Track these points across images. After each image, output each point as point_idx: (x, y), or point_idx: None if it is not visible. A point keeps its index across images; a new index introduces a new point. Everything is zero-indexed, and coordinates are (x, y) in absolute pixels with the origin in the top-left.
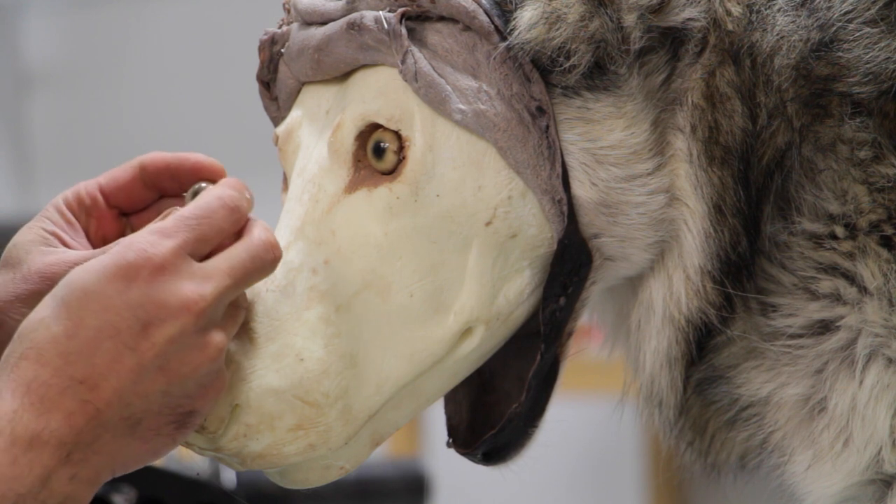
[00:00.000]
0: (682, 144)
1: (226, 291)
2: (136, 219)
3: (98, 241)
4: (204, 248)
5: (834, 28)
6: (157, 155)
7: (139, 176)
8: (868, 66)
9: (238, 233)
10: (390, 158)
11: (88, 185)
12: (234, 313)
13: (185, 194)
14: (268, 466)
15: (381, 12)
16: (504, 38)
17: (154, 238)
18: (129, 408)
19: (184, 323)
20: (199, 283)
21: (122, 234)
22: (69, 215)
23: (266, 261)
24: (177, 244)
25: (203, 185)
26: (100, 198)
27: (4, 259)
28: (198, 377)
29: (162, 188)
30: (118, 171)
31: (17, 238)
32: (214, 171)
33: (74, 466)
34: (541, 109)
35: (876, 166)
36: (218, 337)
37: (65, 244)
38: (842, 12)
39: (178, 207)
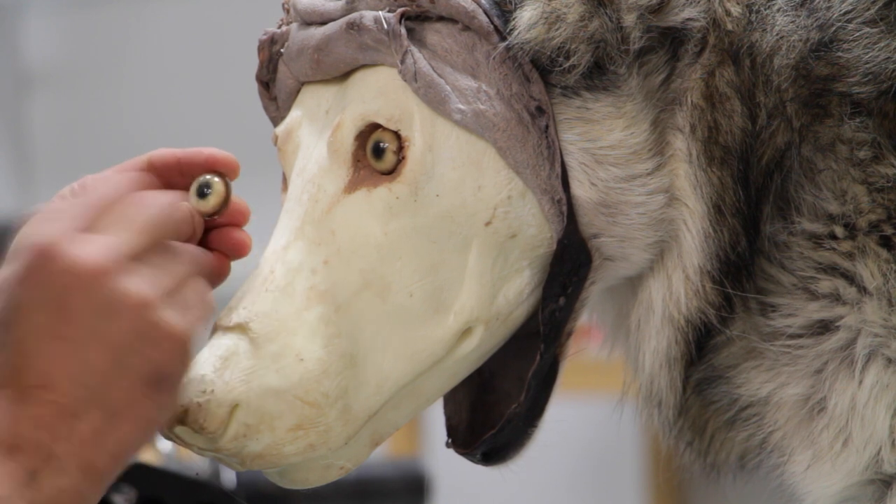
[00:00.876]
0: (681, 144)
1: (126, 243)
2: None
3: None
4: (92, 219)
5: (833, 28)
6: (166, 151)
7: (147, 172)
8: (868, 66)
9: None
10: (390, 158)
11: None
12: (158, 253)
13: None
14: (268, 466)
15: (380, 12)
16: (503, 38)
17: (45, 225)
18: (90, 389)
19: (91, 288)
20: (95, 245)
21: None
22: None
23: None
24: (63, 223)
25: (208, 176)
26: None
27: (14, 252)
28: (139, 334)
29: (170, 184)
30: (126, 167)
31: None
32: (228, 165)
33: (60, 460)
34: (540, 109)
35: (875, 166)
36: (136, 284)
37: None
38: (841, 12)
39: None
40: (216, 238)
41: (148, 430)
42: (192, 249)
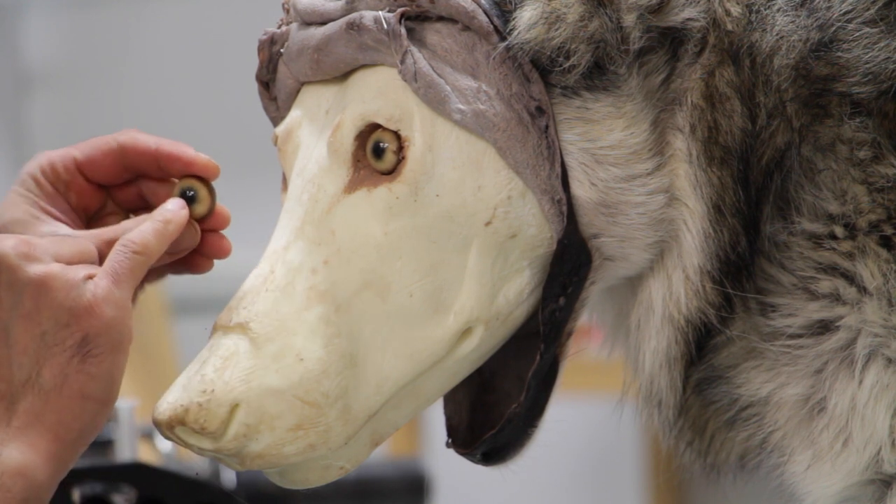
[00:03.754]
0: (681, 144)
1: (39, 240)
2: (117, 192)
3: (80, 212)
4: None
5: (833, 28)
6: (140, 139)
7: (118, 156)
8: (867, 66)
9: None
10: (390, 158)
11: (65, 159)
12: (70, 248)
13: (175, 180)
14: (268, 466)
15: (380, 12)
16: (503, 38)
17: None
18: (22, 369)
19: (9, 262)
20: (11, 236)
21: (104, 207)
22: (49, 188)
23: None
24: None
25: (194, 182)
26: (77, 173)
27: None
28: (56, 304)
29: (143, 171)
30: (94, 148)
31: (7, 216)
32: (208, 169)
33: (5, 445)
34: (540, 109)
35: (875, 166)
36: (51, 264)
37: (56, 218)
38: (841, 12)
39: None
40: (200, 242)
41: (86, 403)
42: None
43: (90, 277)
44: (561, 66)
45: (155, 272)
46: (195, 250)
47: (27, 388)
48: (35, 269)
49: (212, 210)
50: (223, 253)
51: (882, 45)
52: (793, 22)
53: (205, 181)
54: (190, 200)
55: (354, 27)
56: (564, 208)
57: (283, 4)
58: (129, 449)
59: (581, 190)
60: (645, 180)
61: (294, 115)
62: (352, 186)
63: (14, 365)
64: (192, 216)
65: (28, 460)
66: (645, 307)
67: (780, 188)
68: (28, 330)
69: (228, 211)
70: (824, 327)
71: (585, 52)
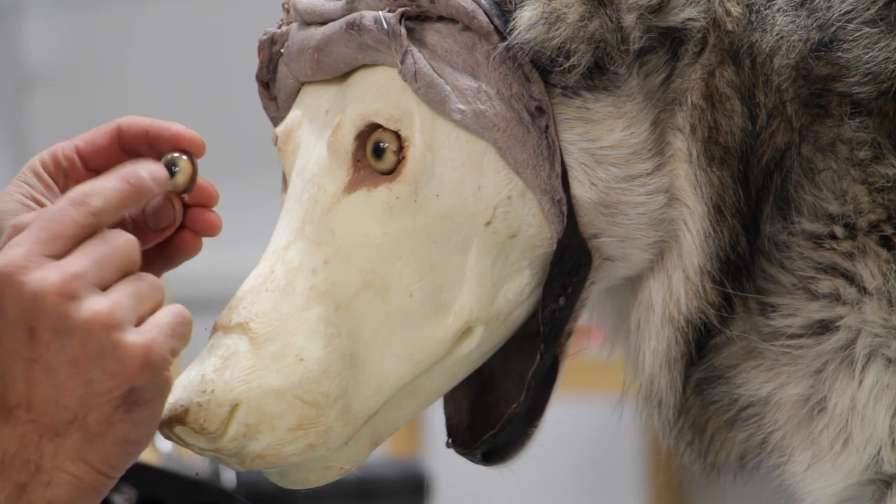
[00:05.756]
0: (681, 144)
1: (83, 269)
2: None
3: None
4: (57, 246)
5: (833, 28)
6: (136, 120)
7: (116, 140)
8: (867, 66)
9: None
10: (390, 158)
11: (66, 148)
12: (114, 265)
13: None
14: (267, 466)
15: (380, 12)
16: (503, 38)
17: (9, 250)
18: (67, 410)
19: (55, 311)
20: (56, 270)
21: None
22: (47, 178)
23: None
24: (27, 247)
25: (177, 154)
26: (77, 160)
27: None
28: (105, 354)
29: (139, 154)
30: (96, 133)
31: None
32: (193, 143)
33: (48, 474)
34: (540, 109)
35: (875, 166)
36: (98, 304)
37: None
38: (841, 12)
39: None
40: (188, 218)
41: (129, 446)
42: (150, 277)
43: (141, 320)
44: (561, 66)
45: (152, 268)
46: (183, 226)
47: (73, 427)
48: (81, 314)
49: (192, 181)
50: (212, 228)
51: (882, 45)
52: (793, 22)
53: (190, 156)
54: (171, 173)
55: (354, 27)
56: (564, 208)
57: (283, 4)
58: None
59: (581, 190)
60: (645, 180)
61: (294, 115)
62: (352, 186)
63: (59, 406)
64: (172, 188)
65: (73, 496)
66: (645, 307)
67: (780, 188)
68: (76, 376)
69: (216, 188)
70: (824, 327)
71: (585, 52)
